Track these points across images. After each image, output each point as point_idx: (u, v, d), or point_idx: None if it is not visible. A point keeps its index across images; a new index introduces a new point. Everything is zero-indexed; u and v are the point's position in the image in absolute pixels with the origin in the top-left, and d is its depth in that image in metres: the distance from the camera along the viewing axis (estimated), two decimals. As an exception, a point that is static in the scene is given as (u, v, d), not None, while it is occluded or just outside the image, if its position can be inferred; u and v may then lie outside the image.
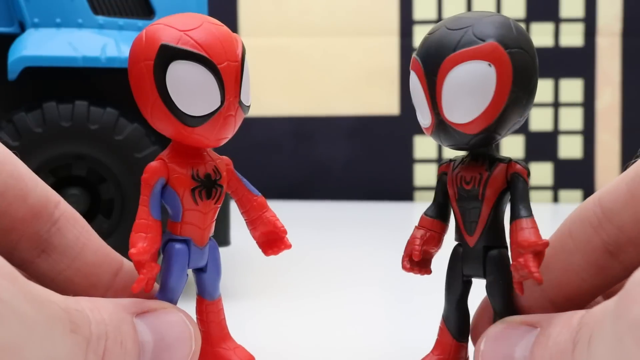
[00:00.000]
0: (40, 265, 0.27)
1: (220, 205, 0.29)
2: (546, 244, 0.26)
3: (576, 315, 0.23)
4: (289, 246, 0.31)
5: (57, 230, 0.27)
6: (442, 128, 0.28)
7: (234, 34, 0.28)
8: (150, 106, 0.27)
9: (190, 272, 0.29)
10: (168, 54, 0.26)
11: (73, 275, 0.27)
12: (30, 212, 0.26)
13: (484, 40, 0.26)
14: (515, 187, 0.27)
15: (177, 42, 0.26)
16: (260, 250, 0.31)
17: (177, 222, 0.28)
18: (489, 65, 0.26)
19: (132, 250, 0.26)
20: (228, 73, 0.27)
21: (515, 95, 0.26)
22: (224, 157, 0.30)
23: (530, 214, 0.26)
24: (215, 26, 0.27)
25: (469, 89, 0.26)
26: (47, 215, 0.26)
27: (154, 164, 0.28)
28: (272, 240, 0.31)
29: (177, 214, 0.28)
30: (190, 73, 0.26)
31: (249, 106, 0.28)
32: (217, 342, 0.30)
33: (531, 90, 0.27)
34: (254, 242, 0.31)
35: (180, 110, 0.26)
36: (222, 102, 0.27)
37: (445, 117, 0.27)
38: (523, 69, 0.26)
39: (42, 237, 0.26)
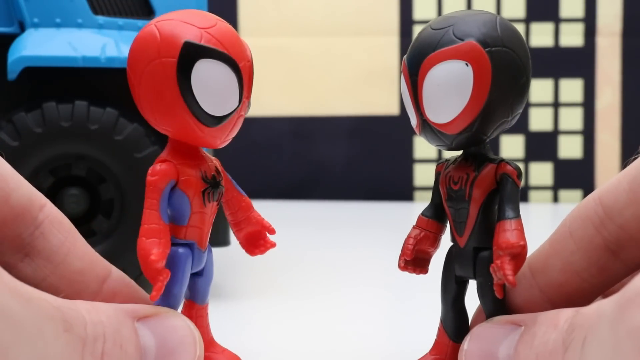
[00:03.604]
0: (23, 270, 0.26)
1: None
2: (524, 246, 0.25)
3: (562, 314, 0.22)
4: (273, 244, 0.31)
5: (41, 234, 0.26)
6: (426, 128, 0.28)
7: None
8: (164, 105, 0.26)
9: None
10: (193, 52, 0.25)
11: (58, 282, 0.26)
12: (11, 213, 0.25)
13: (462, 40, 0.26)
14: (504, 188, 0.27)
15: (200, 39, 0.25)
16: (244, 251, 0.31)
17: (182, 226, 0.27)
18: (467, 64, 0.25)
19: (153, 257, 0.25)
20: (246, 73, 0.26)
21: (496, 94, 0.26)
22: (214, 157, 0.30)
23: (516, 216, 0.26)
24: (227, 25, 0.27)
25: (447, 89, 0.26)
26: (31, 218, 0.25)
27: (163, 166, 0.26)
28: (255, 239, 0.31)
29: (183, 217, 0.27)
30: (216, 72, 0.26)
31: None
32: (207, 347, 0.29)
33: (520, 89, 0.26)
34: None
35: (203, 110, 0.26)
36: (240, 102, 0.27)
37: (427, 117, 0.27)
38: (506, 68, 0.26)
39: (25, 241, 0.25)
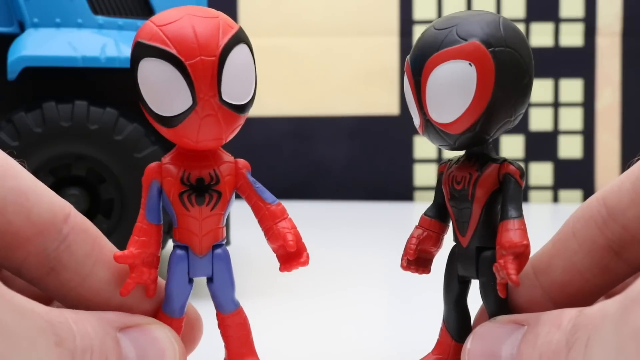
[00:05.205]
0: (50, 283, 0.25)
1: (223, 212, 0.27)
2: (527, 245, 0.25)
3: (566, 314, 0.22)
4: (303, 263, 0.27)
5: (67, 248, 0.25)
6: (429, 128, 0.28)
7: (231, 24, 0.26)
8: (140, 106, 0.26)
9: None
10: (138, 52, 0.25)
11: (85, 292, 0.26)
12: (33, 230, 0.24)
13: (466, 40, 0.26)
14: (506, 187, 0.27)
15: (150, 38, 0.25)
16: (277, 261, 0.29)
17: (175, 227, 0.27)
18: (470, 64, 0.25)
19: (117, 254, 0.25)
20: (200, 70, 0.25)
21: (499, 94, 0.26)
22: (240, 160, 0.28)
23: (519, 215, 0.26)
24: (199, 18, 0.25)
25: (450, 89, 0.26)
26: (55, 232, 0.25)
27: (150, 165, 0.27)
28: (288, 254, 0.28)
29: (173, 219, 0.27)
30: (156, 71, 0.25)
31: (244, 104, 0.26)
32: (235, 358, 0.29)
33: (523, 89, 0.26)
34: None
35: (152, 110, 0.25)
36: (194, 101, 0.25)
37: (430, 117, 0.27)
38: (509, 68, 0.26)
39: (50, 256, 0.24)
